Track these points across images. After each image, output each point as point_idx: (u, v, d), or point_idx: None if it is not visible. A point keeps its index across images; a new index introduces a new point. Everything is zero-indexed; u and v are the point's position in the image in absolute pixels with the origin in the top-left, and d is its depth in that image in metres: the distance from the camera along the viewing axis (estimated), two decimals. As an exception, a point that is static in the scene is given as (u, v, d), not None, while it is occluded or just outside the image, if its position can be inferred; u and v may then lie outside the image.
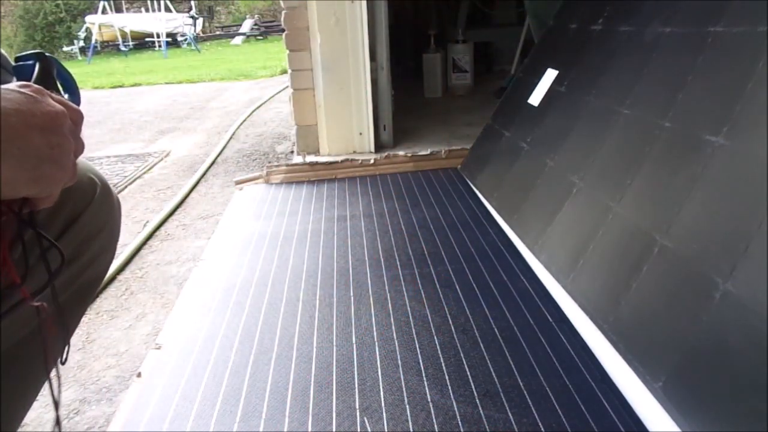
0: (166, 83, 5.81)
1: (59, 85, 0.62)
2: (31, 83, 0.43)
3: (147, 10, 11.61)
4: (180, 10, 12.56)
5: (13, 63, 0.58)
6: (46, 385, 0.59)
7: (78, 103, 0.63)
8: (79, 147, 0.45)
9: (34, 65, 0.57)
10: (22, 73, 0.57)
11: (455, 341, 1.03)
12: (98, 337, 1.22)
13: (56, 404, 0.49)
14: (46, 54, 0.59)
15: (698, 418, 0.69)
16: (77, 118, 0.46)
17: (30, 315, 0.51)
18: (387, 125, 2.24)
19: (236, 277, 1.34)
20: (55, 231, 0.55)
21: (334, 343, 1.05)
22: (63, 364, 0.53)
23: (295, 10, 2.07)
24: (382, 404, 0.88)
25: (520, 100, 1.70)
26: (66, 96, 0.64)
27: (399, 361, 0.99)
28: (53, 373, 0.49)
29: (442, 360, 0.98)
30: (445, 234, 1.50)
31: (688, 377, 0.73)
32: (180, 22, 11.76)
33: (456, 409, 0.86)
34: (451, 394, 0.89)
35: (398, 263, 1.36)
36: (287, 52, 2.14)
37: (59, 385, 0.48)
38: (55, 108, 0.42)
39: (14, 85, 0.42)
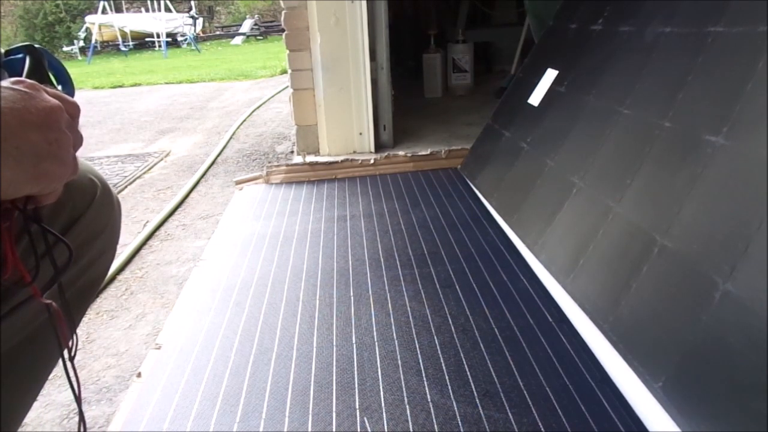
0: (166, 83, 5.81)
1: (52, 77, 0.61)
2: (23, 78, 0.42)
3: (147, 10, 11.61)
4: (180, 10, 12.57)
5: (3, 57, 0.57)
6: (46, 385, 0.59)
7: (72, 94, 0.63)
8: (78, 140, 0.45)
9: (24, 59, 0.57)
10: (13, 68, 0.56)
11: (455, 341, 1.03)
12: (98, 337, 1.22)
13: (79, 400, 0.48)
14: (36, 46, 0.59)
15: (698, 418, 0.69)
16: (74, 111, 0.45)
17: (33, 314, 0.51)
18: (387, 125, 2.24)
19: (236, 277, 1.34)
20: (56, 232, 0.55)
21: (334, 343, 1.05)
22: (71, 360, 0.53)
23: (295, 10, 2.07)
24: (382, 404, 0.88)
25: (520, 100, 1.70)
26: (59, 88, 0.63)
27: (399, 361, 0.99)
28: (66, 370, 0.49)
29: (442, 360, 0.98)
30: (445, 234, 1.50)
31: (688, 377, 0.73)
32: (180, 22, 11.76)
33: (456, 409, 0.86)
34: (451, 394, 0.89)
35: (398, 263, 1.36)
36: (287, 52, 2.14)
37: (78, 383, 0.48)
38: (51, 103, 0.42)
39: (7, 81, 0.41)
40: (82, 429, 0.48)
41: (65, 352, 0.50)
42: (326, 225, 1.62)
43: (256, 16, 14.07)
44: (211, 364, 1.02)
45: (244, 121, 3.55)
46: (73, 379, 0.48)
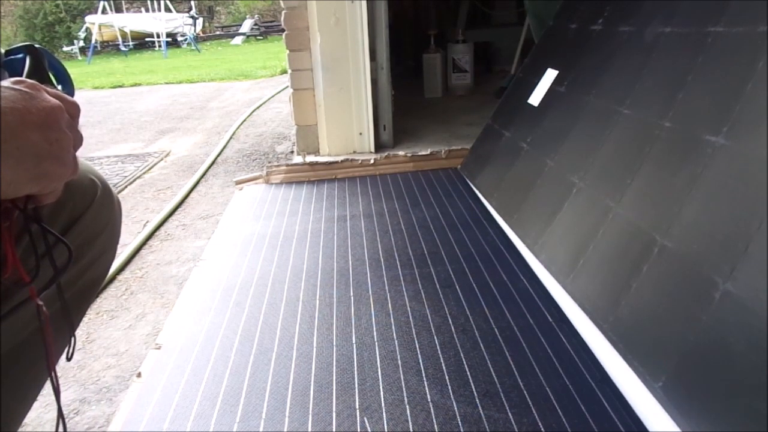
0: (166, 83, 5.81)
1: (52, 77, 0.61)
2: (24, 78, 0.42)
3: (147, 10, 11.61)
4: (180, 10, 12.57)
5: (4, 57, 0.57)
6: (46, 385, 0.59)
7: (72, 93, 0.63)
8: (78, 140, 0.45)
9: (24, 58, 0.57)
10: (13, 68, 0.56)
11: (455, 341, 1.03)
12: (98, 337, 1.22)
13: (58, 398, 0.49)
14: (36, 46, 0.59)
15: (698, 418, 0.69)
16: (74, 111, 0.45)
17: (33, 314, 0.51)
18: (387, 125, 2.24)
19: (236, 277, 1.34)
20: (57, 232, 0.55)
21: (334, 343, 1.05)
22: (69, 360, 0.53)
23: (295, 10, 2.07)
24: (382, 404, 0.88)
25: (520, 100, 1.70)
26: (59, 87, 0.63)
27: (399, 361, 0.99)
28: (49, 371, 0.49)
29: (442, 360, 0.98)
30: (445, 234, 1.50)
31: (688, 377, 0.73)
32: (180, 22, 11.77)
33: (456, 409, 0.86)
34: (451, 394, 0.89)
35: (398, 263, 1.36)
36: (287, 52, 2.14)
37: (57, 384, 0.48)
38: (51, 103, 0.42)
39: (8, 81, 0.41)
40: (61, 428, 0.49)
41: (63, 351, 0.50)
42: (326, 225, 1.62)
43: (256, 16, 14.07)
44: (211, 364, 1.02)
45: (244, 121, 3.55)
46: (68, 380, 0.48)
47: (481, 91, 3.34)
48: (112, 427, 0.90)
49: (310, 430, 0.84)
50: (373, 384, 0.93)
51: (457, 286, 1.23)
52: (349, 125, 2.17)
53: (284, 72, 5.69)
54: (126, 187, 2.30)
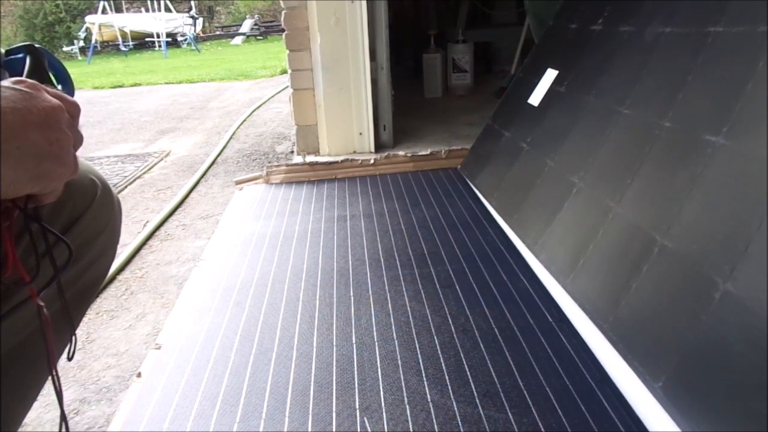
0: (166, 83, 5.81)
1: (52, 77, 0.61)
2: (24, 78, 0.42)
3: (147, 10, 11.61)
4: (180, 10, 12.57)
5: (4, 57, 0.57)
6: (46, 385, 0.59)
7: (71, 93, 0.63)
8: (78, 139, 0.45)
9: (24, 58, 0.57)
10: (13, 68, 0.56)
11: (455, 341, 1.03)
12: (98, 337, 1.22)
13: (61, 401, 0.49)
14: (36, 45, 0.59)
15: (698, 418, 0.69)
16: (74, 111, 0.45)
17: (33, 313, 0.51)
18: (387, 125, 2.24)
19: (236, 277, 1.34)
20: (57, 232, 0.55)
21: (334, 343, 1.05)
22: (70, 360, 0.53)
23: (295, 10, 2.07)
24: (382, 404, 0.88)
25: (520, 100, 1.70)
26: (59, 87, 0.64)
27: (399, 361, 0.99)
28: (51, 374, 0.49)
29: (442, 360, 0.98)
30: (445, 234, 1.50)
31: (688, 377, 0.73)
32: (180, 22, 11.77)
33: (456, 409, 0.86)
34: (451, 394, 0.89)
35: (398, 263, 1.36)
36: (287, 52, 2.14)
37: (60, 385, 0.48)
38: (51, 103, 0.42)
39: (8, 81, 0.41)
40: (64, 429, 0.49)
41: (64, 351, 0.50)
42: (326, 225, 1.62)
43: (256, 16, 14.07)
44: (211, 364, 1.02)
45: (244, 121, 3.55)
46: (68, 382, 0.48)
47: (481, 91, 3.34)
48: (112, 427, 0.90)
49: (310, 430, 0.85)
50: (373, 384, 0.93)
51: (457, 286, 1.23)
52: (349, 125, 2.17)
53: (284, 72, 5.69)
54: (126, 187, 2.30)
